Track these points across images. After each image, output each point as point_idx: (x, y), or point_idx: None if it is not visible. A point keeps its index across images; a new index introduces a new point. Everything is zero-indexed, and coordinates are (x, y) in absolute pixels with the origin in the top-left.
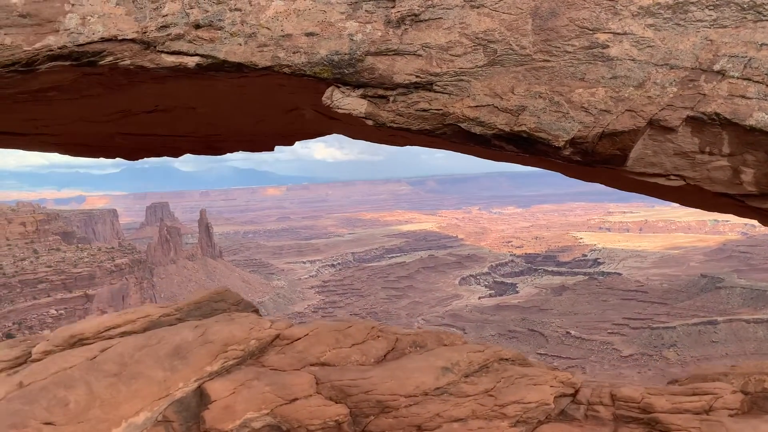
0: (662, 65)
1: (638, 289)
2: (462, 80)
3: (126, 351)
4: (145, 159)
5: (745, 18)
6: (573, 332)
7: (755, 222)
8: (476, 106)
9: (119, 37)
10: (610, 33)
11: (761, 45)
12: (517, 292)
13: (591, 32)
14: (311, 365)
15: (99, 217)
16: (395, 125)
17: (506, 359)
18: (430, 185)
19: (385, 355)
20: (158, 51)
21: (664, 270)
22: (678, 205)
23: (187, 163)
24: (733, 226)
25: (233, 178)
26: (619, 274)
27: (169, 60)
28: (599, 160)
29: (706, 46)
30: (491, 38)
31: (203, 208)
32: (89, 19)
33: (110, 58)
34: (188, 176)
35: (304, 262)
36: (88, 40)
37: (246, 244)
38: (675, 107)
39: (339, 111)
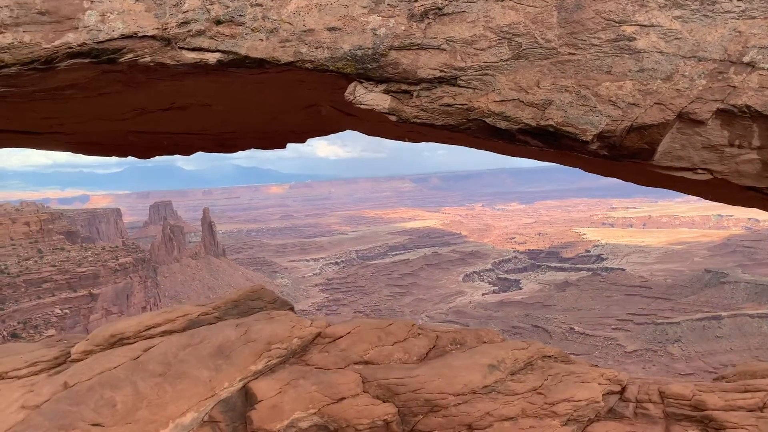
0: (690, 57)
1: (642, 285)
2: (487, 74)
3: (169, 350)
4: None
5: None
6: (577, 328)
7: (759, 216)
8: (501, 101)
9: (139, 34)
10: (637, 25)
11: None
12: (521, 288)
13: (617, 24)
14: (355, 364)
15: (103, 217)
16: (419, 121)
17: (549, 356)
18: (433, 182)
19: (427, 353)
20: (179, 47)
21: (668, 265)
22: (682, 200)
23: (190, 161)
24: (737, 221)
25: (236, 177)
26: (623, 270)
27: (190, 56)
28: (626, 154)
29: (734, 38)
30: (516, 31)
31: (206, 207)
32: (109, 16)
33: (130, 55)
34: (191, 175)
35: (308, 260)
36: (108, 37)
37: (249, 242)
38: (705, 100)
39: (362, 107)
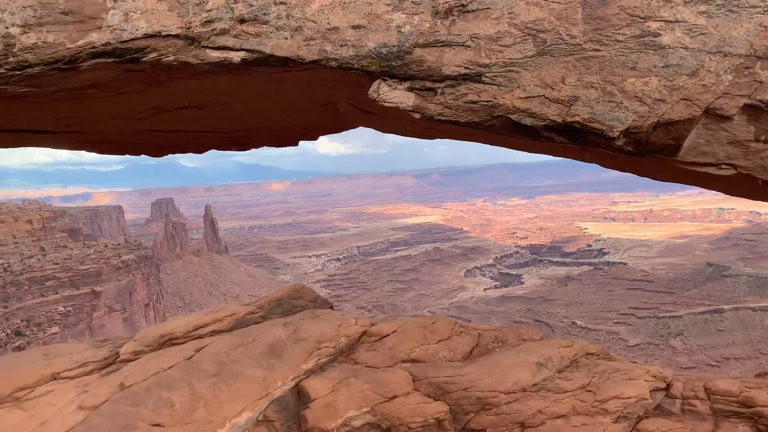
0: (716, 53)
1: (644, 279)
2: (511, 71)
3: (222, 350)
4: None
5: None
6: (579, 322)
7: (761, 210)
8: (527, 97)
9: (163, 33)
10: (662, 21)
11: None
12: (523, 283)
13: (642, 20)
14: (402, 362)
15: (105, 214)
16: (443, 118)
17: (592, 354)
18: (434, 178)
19: (470, 351)
20: (203, 46)
21: (670, 259)
22: (683, 193)
23: (191, 158)
24: (738, 215)
25: (237, 173)
26: (625, 264)
27: (214, 55)
28: (651, 150)
29: (760, 33)
30: (540, 28)
31: (208, 204)
32: (132, 15)
33: (154, 55)
34: (192, 172)
35: (310, 257)
36: (132, 37)
37: (251, 239)
38: (732, 95)
39: (385, 105)
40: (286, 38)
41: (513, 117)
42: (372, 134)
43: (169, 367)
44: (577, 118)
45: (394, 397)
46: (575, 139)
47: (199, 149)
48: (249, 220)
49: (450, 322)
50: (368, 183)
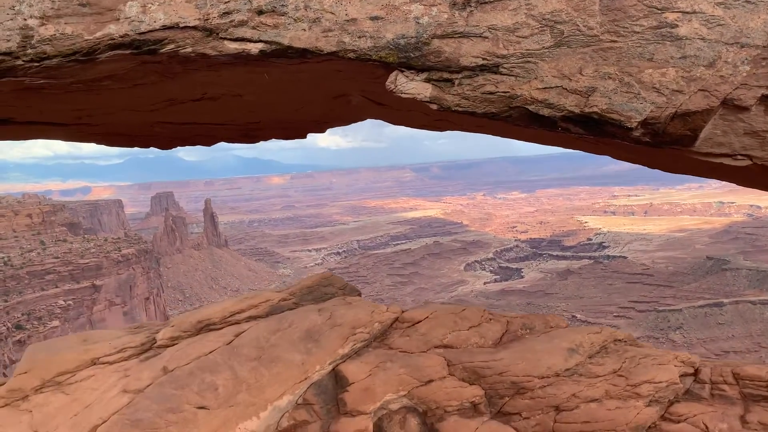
0: (733, 44)
1: (644, 272)
2: (529, 62)
3: (261, 335)
4: (149, 149)
5: None
6: (579, 316)
7: (761, 203)
8: (545, 88)
9: (181, 25)
10: (679, 12)
11: None
12: (522, 277)
13: (659, 11)
14: (435, 347)
15: (104, 208)
16: (460, 109)
17: (620, 340)
18: (434, 172)
19: (500, 338)
20: (221, 38)
21: (670, 253)
22: (683, 187)
23: (191, 152)
24: (738, 208)
25: (237, 167)
26: (625, 258)
27: (232, 47)
28: (668, 141)
29: None
30: (558, 19)
31: (208, 198)
32: (150, 7)
33: (171, 46)
34: (192, 166)
35: (310, 250)
36: (150, 28)
37: (251, 233)
38: (749, 86)
39: (403, 96)
40: (304, 30)
41: (531, 108)
42: (372, 128)
43: (210, 352)
44: (595, 109)
45: (430, 381)
46: (592, 130)
47: (209, 142)
48: (249, 214)
49: (479, 309)
50: (368, 177)
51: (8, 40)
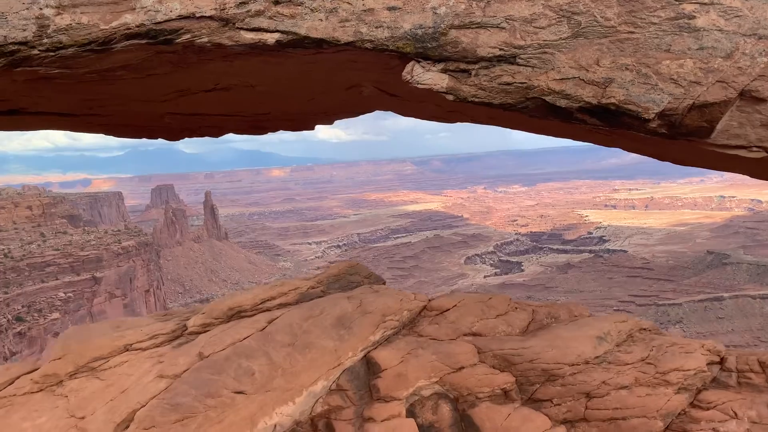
0: (750, 35)
1: (644, 266)
2: (546, 53)
3: (293, 321)
4: (149, 141)
5: None
6: None
7: (762, 198)
8: (562, 79)
9: (197, 15)
10: (697, 3)
11: None
12: (523, 270)
13: (677, 3)
14: (464, 335)
15: (105, 200)
16: (476, 100)
17: (645, 329)
18: (434, 165)
19: (527, 326)
20: (237, 28)
21: (670, 247)
22: (684, 181)
23: (191, 144)
24: (739, 203)
25: (237, 160)
26: (625, 252)
27: (249, 37)
28: (684, 133)
29: None
30: (575, 10)
31: (208, 190)
32: None
33: (187, 36)
34: (192, 158)
35: (310, 243)
36: (166, 18)
37: (251, 225)
38: (767, 78)
39: (419, 86)
40: (321, 20)
41: (547, 99)
42: (373, 120)
43: (245, 338)
44: (612, 100)
45: (461, 368)
46: (608, 122)
47: (217, 133)
48: (249, 207)
49: (505, 298)
50: (369, 170)
51: (24, 30)
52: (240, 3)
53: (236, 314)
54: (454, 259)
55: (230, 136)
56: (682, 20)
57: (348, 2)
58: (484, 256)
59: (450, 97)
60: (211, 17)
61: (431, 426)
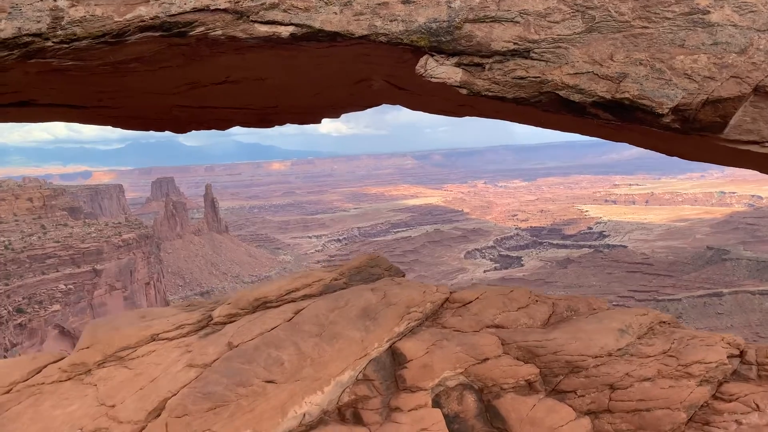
0: (765, 31)
1: (644, 262)
2: (560, 47)
3: (320, 312)
4: (150, 134)
5: None
6: None
7: (762, 194)
8: (575, 74)
9: (211, 7)
10: None
11: None
12: (522, 265)
13: None
14: (487, 327)
15: (105, 193)
16: (490, 94)
17: (664, 322)
18: (435, 159)
19: (548, 319)
20: (251, 21)
21: (670, 242)
22: (684, 177)
23: (192, 137)
24: (739, 198)
25: (238, 153)
26: (625, 247)
27: (263, 30)
28: (697, 128)
29: None
30: (589, 4)
31: (208, 183)
32: None
33: (201, 29)
34: (193, 151)
35: (310, 237)
36: (180, 11)
37: (252, 218)
38: None
39: (432, 80)
40: (336, 13)
41: (561, 93)
42: (373, 114)
43: (273, 328)
44: (626, 95)
45: (486, 359)
46: (621, 116)
47: (225, 126)
48: (249, 200)
49: (526, 291)
50: (369, 164)
51: (38, 21)
52: None
53: (262, 305)
54: (454, 254)
55: (232, 128)
56: (696, 15)
57: None
58: (484, 251)
59: (464, 91)
60: (225, 10)
61: (456, 416)
